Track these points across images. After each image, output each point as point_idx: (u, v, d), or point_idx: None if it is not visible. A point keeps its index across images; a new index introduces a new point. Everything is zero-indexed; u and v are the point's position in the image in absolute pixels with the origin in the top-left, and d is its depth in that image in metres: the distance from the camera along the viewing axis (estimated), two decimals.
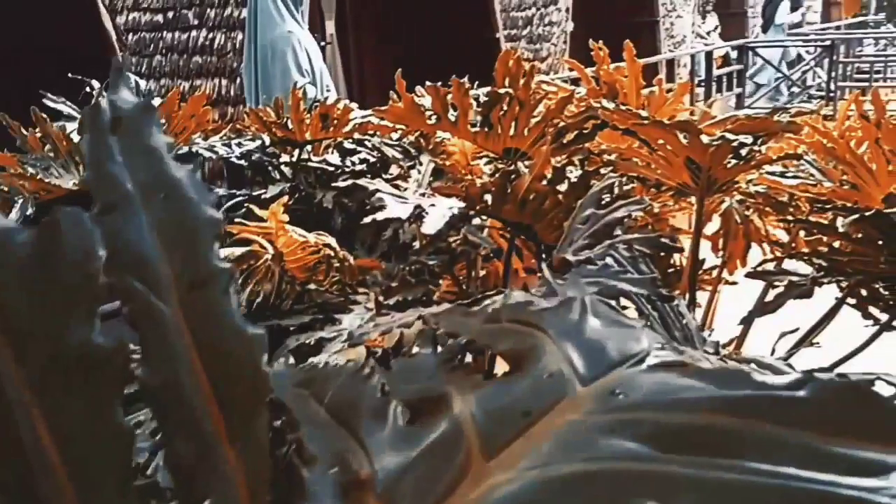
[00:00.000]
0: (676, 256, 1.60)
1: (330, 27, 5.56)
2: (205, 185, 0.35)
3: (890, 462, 0.25)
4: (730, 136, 1.10)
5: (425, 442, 0.31)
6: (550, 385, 0.31)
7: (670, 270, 1.57)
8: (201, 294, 0.32)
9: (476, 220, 1.43)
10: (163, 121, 1.69)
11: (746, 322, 1.36)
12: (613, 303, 0.98)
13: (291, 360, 0.39)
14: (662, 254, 1.58)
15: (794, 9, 11.99)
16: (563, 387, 0.31)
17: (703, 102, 8.76)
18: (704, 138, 1.15)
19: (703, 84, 9.73)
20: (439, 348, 0.38)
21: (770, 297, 1.37)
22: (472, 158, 1.75)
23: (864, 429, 0.26)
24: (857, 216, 1.09)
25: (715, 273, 1.68)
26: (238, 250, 1.25)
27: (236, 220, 1.34)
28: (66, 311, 0.30)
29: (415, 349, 0.40)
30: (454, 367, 0.34)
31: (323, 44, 5.06)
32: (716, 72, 10.06)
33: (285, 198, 1.19)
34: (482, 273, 1.62)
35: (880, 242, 1.15)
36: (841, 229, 1.13)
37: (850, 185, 1.29)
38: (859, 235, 1.21)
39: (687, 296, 1.41)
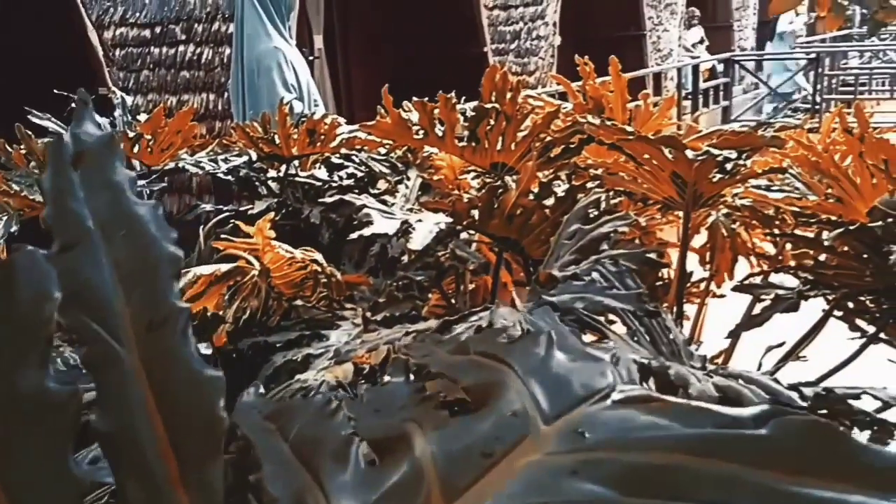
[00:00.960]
0: (665, 269, 1.60)
1: (318, 42, 5.56)
2: (165, 221, 0.35)
3: (851, 501, 0.24)
4: (714, 150, 1.11)
5: (385, 485, 0.30)
6: (513, 424, 0.31)
7: (658, 283, 1.57)
8: (159, 334, 0.32)
9: (464, 235, 1.43)
10: (149, 137, 1.69)
11: (734, 335, 1.36)
12: (603, 319, 0.98)
13: (262, 390, 0.38)
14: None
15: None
16: (525, 426, 0.31)
17: (690, 115, 8.82)
18: (689, 153, 1.16)
19: (690, 97, 9.80)
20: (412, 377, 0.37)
21: (757, 310, 1.38)
22: (460, 173, 1.75)
23: (825, 467, 0.25)
24: (841, 230, 1.09)
25: (703, 286, 1.68)
26: (225, 266, 1.25)
27: (223, 236, 1.33)
28: (18, 355, 0.29)
29: (386, 377, 0.39)
30: (424, 399, 0.34)
31: (311, 58, 5.06)
32: (702, 85, 10.13)
33: (272, 214, 1.19)
34: (471, 287, 1.62)
35: (865, 256, 1.16)
36: (826, 243, 1.14)
37: (835, 199, 1.30)
38: (845, 249, 1.22)
39: (674, 309, 1.41)
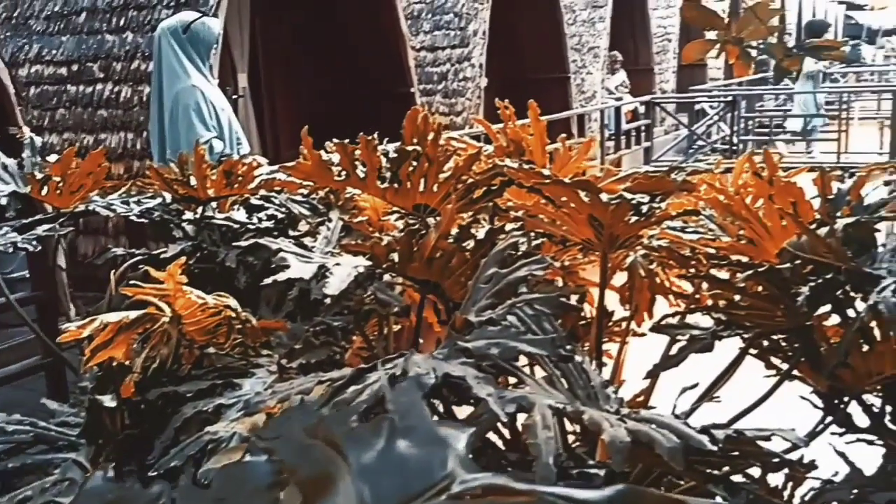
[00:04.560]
0: (588, 308, 1.61)
1: (243, 80, 5.51)
2: None
3: None
4: (628, 195, 1.12)
5: None
6: None
7: (581, 323, 1.58)
8: None
9: (388, 276, 1.42)
10: (59, 178, 1.63)
11: (652, 375, 1.37)
12: (523, 362, 0.97)
13: (111, 474, 0.35)
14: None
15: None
16: None
17: (612, 154, 9.06)
18: (604, 196, 1.17)
19: (613, 138, 10.07)
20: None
21: (675, 350, 1.39)
22: (383, 214, 1.74)
23: None
24: (751, 271, 1.12)
25: (624, 325, 1.70)
26: (133, 313, 1.20)
27: (133, 281, 1.29)
28: None
29: (247, 457, 0.37)
30: (273, 485, 0.32)
31: (235, 97, 5.00)
32: (625, 126, 10.43)
33: (183, 258, 1.15)
34: (397, 328, 1.60)
35: (776, 296, 1.18)
36: (739, 284, 1.16)
37: (747, 240, 1.33)
38: (758, 290, 1.24)
39: (595, 349, 1.42)
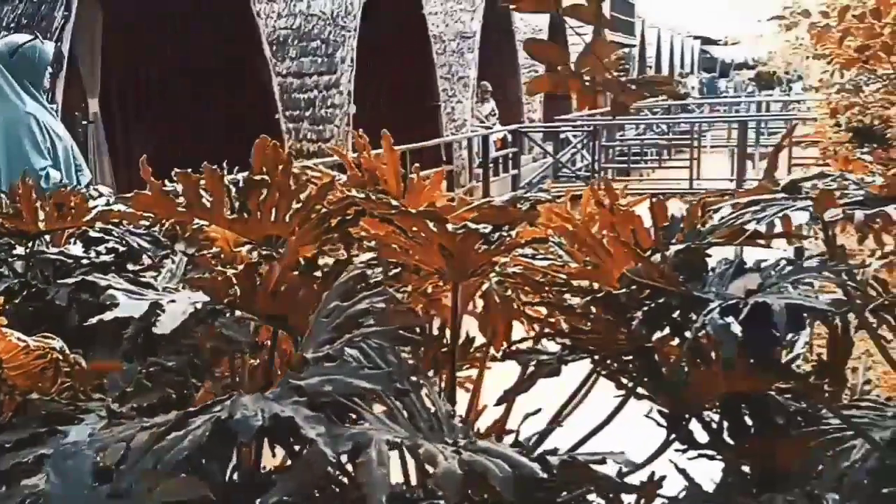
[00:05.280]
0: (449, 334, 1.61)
1: (93, 105, 5.26)
2: None
3: None
4: (472, 224, 1.13)
5: None
6: None
7: (444, 350, 1.58)
8: None
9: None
10: None
11: (504, 401, 1.39)
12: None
13: None
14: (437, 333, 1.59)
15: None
16: None
17: (482, 182, 9.25)
18: (450, 226, 1.18)
19: (482, 165, 10.31)
20: None
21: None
22: (236, 245, 1.69)
23: None
24: (590, 297, 1.15)
25: (485, 351, 1.71)
26: None
27: None
28: None
29: None
30: None
31: (85, 122, 4.76)
32: (494, 153, 10.69)
33: (1, 298, 1.07)
34: (256, 363, 1.54)
35: (616, 320, 1.22)
36: (578, 310, 1.19)
37: (593, 266, 1.37)
38: (604, 315, 1.28)
39: (450, 377, 1.43)
